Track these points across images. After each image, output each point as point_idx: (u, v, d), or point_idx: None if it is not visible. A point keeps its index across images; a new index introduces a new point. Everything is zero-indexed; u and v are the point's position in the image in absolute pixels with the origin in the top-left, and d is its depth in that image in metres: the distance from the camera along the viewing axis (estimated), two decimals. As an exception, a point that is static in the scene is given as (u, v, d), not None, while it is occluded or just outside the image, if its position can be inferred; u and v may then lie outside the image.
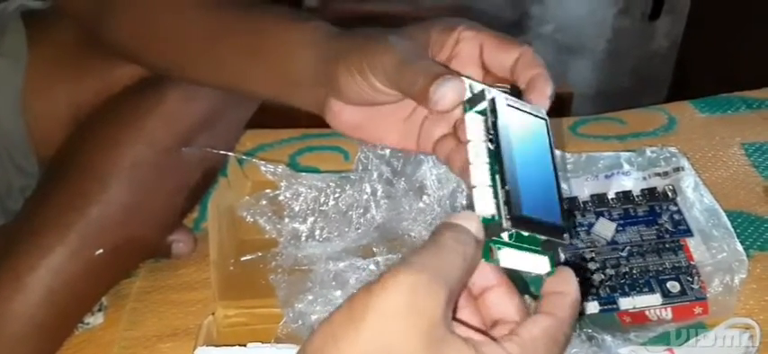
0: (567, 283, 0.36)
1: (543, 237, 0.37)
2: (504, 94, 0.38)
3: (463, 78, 0.38)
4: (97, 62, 0.61)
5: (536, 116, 0.39)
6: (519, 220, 0.35)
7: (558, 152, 0.71)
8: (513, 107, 0.38)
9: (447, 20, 0.42)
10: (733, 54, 1.70)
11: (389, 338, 0.29)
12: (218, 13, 0.51)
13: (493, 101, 0.37)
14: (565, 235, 0.37)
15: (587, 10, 1.90)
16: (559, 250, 0.38)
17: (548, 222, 0.37)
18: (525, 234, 0.36)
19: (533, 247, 0.37)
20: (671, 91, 1.97)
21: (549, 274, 0.37)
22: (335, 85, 0.42)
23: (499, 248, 0.36)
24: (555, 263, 0.38)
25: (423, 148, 0.45)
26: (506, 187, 0.35)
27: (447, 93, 0.37)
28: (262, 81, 0.49)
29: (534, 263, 0.37)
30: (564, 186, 0.69)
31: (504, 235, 0.36)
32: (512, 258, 0.36)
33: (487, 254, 0.36)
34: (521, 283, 0.60)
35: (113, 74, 0.61)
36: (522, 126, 0.38)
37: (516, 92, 0.39)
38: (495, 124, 0.36)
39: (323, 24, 0.46)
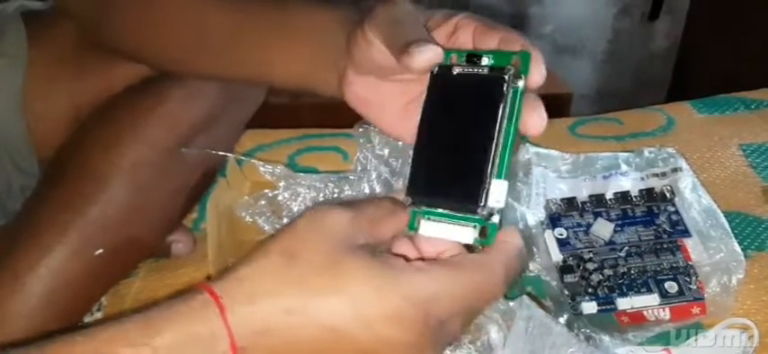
0: (513, 235, 0.40)
1: (448, 211, 0.38)
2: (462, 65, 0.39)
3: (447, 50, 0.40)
4: (97, 62, 0.62)
5: (491, 82, 0.38)
6: (419, 194, 0.39)
7: (554, 152, 0.71)
8: (466, 77, 0.39)
9: (449, 10, 0.44)
10: (732, 55, 1.70)
11: (295, 245, 0.36)
12: (242, 4, 0.52)
13: (439, 74, 0.39)
14: (479, 209, 0.37)
15: (587, 10, 1.90)
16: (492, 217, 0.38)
17: (459, 195, 0.38)
18: (433, 208, 0.39)
19: (457, 217, 0.38)
20: (670, 91, 1.97)
21: (483, 243, 0.39)
22: (349, 50, 0.44)
23: (423, 218, 0.39)
24: (494, 233, 0.38)
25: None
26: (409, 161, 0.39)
27: (425, 53, 0.39)
28: (288, 66, 0.50)
29: (457, 233, 0.39)
30: (562, 186, 0.69)
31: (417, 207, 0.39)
32: (433, 228, 0.39)
33: (413, 225, 0.39)
34: (518, 285, 0.60)
35: (113, 74, 0.61)
36: (467, 96, 0.39)
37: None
38: (429, 97, 0.40)
39: (350, 6, 0.47)
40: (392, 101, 0.45)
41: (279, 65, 0.50)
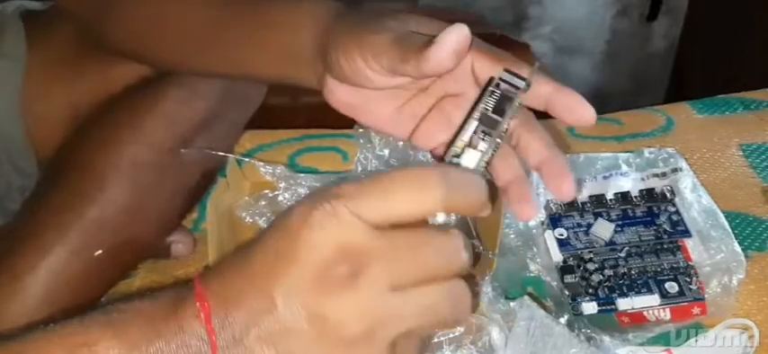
0: None
1: None
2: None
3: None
4: (96, 62, 0.62)
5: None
6: None
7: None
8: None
9: (440, 23, 0.42)
10: (730, 55, 1.70)
11: None
12: (226, 2, 0.52)
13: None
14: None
15: (585, 11, 1.91)
16: None
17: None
18: None
19: None
20: (668, 92, 1.97)
21: None
22: (330, 66, 0.43)
23: None
24: None
25: (420, 142, 0.45)
26: None
27: (450, 37, 0.37)
28: (267, 62, 0.50)
29: None
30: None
31: None
32: None
33: None
34: (518, 285, 0.60)
35: (112, 74, 0.61)
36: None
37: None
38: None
39: (324, 4, 0.46)
40: (381, 105, 0.45)
41: (257, 61, 0.50)
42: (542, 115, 0.42)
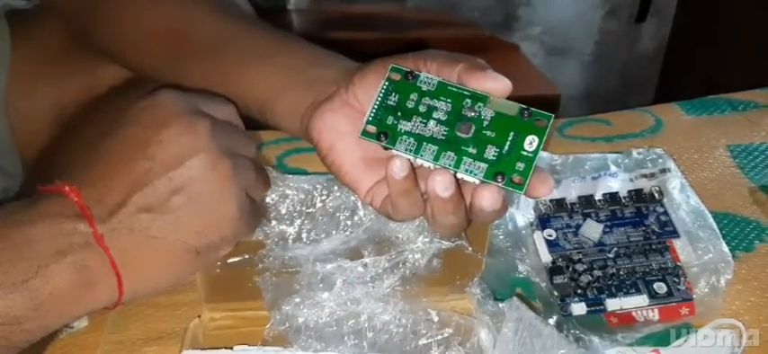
0: None
1: None
2: None
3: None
4: (82, 62, 0.61)
5: None
6: None
7: (544, 153, 0.71)
8: None
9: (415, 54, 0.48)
10: (718, 56, 1.71)
11: None
12: (223, 18, 0.52)
13: None
14: None
15: (575, 12, 1.91)
16: None
17: None
18: None
19: None
20: (657, 93, 1.98)
21: None
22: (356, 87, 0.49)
23: None
24: None
25: (374, 202, 0.49)
26: None
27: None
28: (258, 83, 0.50)
29: None
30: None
31: None
32: None
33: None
34: (507, 286, 0.60)
35: (98, 74, 0.61)
36: None
37: None
38: None
39: (304, 52, 0.52)
40: (351, 152, 0.48)
41: (247, 81, 0.50)
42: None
